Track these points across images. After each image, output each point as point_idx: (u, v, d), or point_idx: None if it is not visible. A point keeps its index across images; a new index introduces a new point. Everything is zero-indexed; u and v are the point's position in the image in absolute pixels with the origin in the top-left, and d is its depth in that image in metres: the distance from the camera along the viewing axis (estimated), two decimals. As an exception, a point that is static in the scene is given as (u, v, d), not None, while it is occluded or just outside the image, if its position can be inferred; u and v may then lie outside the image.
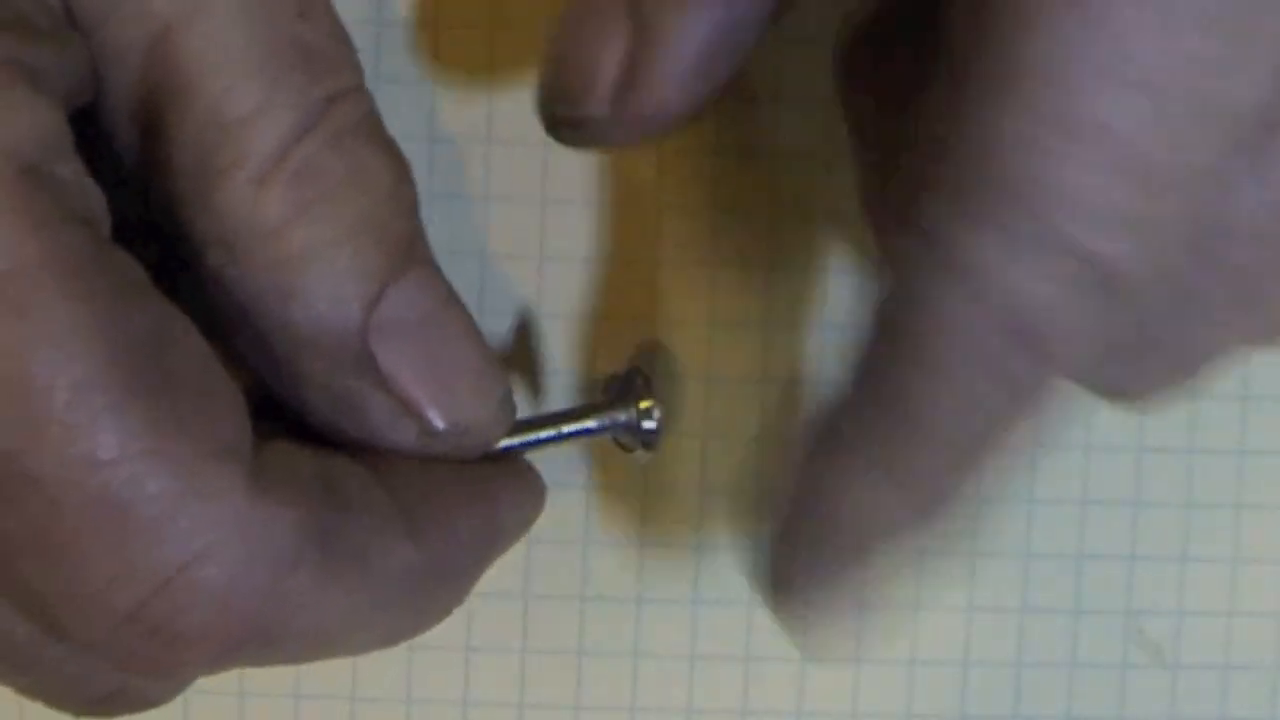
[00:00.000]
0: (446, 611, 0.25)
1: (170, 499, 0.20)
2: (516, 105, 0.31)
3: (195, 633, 0.21)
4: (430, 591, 0.24)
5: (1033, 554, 0.33)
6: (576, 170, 0.31)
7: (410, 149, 0.31)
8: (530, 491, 0.27)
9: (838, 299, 0.32)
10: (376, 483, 0.24)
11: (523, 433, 0.27)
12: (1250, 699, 0.33)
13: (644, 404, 0.28)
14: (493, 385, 0.25)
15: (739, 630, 0.32)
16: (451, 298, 0.25)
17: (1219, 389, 0.33)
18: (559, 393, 0.32)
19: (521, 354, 0.32)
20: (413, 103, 0.31)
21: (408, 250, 0.24)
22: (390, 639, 0.25)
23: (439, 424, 0.24)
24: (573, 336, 0.32)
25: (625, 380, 0.29)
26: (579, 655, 0.32)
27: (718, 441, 0.32)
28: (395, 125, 0.31)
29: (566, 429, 0.28)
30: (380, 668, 0.32)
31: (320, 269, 0.23)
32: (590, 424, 0.28)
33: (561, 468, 0.31)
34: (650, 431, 0.28)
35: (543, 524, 0.31)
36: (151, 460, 0.20)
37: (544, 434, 0.28)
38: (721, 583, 0.32)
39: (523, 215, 0.31)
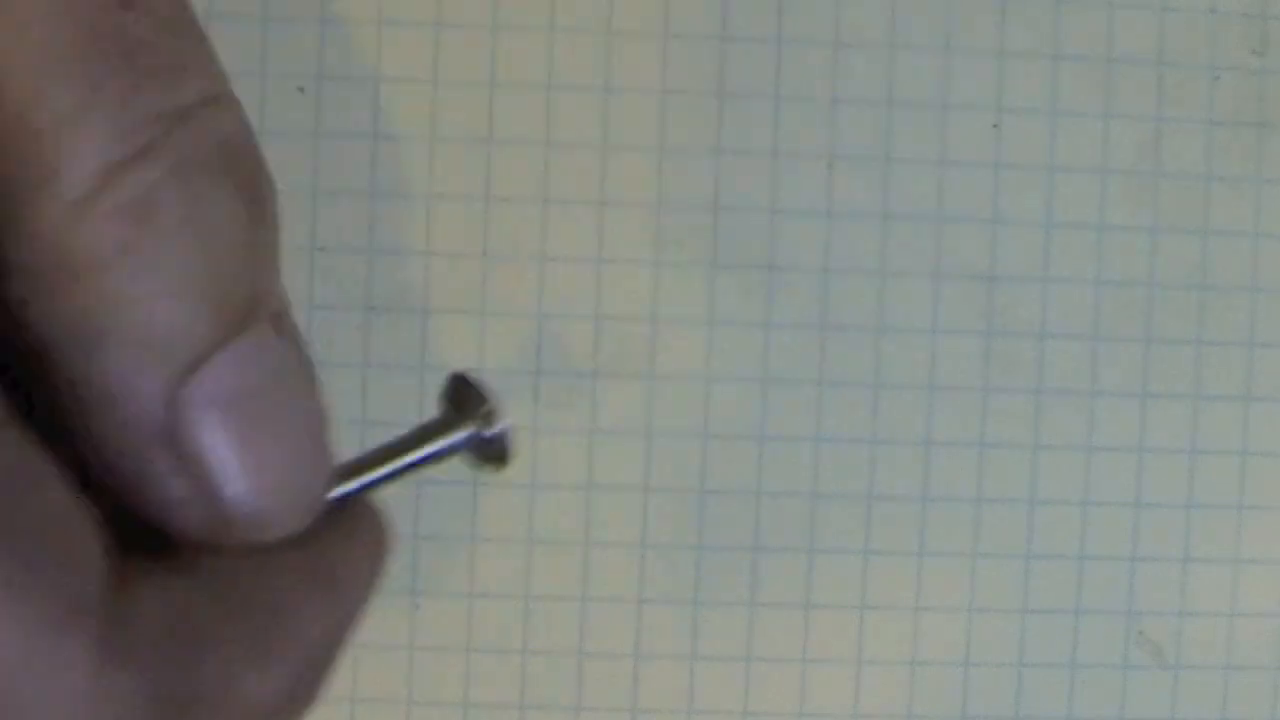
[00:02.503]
0: (310, 701, 0.23)
1: (10, 675, 0.19)
2: (516, 105, 0.31)
3: None
4: (288, 710, 0.22)
5: (1034, 555, 0.33)
6: (576, 170, 0.31)
7: (411, 149, 0.31)
8: (373, 551, 0.23)
9: (839, 299, 0.32)
10: (232, 609, 0.21)
11: (355, 476, 0.24)
12: (1250, 700, 0.33)
13: (483, 410, 0.25)
14: (312, 479, 0.22)
15: (739, 630, 0.32)
16: (285, 365, 0.21)
17: (1221, 390, 0.33)
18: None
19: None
20: (412, 103, 0.31)
21: (247, 310, 0.21)
22: None
23: (240, 517, 0.21)
24: (573, 336, 0.32)
25: (454, 391, 0.25)
26: (579, 655, 0.32)
27: (717, 441, 0.32)
28: (396, 126, 0.31)
29: (403, 461, 0.24)
30: (380, 668, 0.32)
31: (133, 324, 0.20)
32: (428, 449, 0.25)
33: (562, 468, 0.31)
34: (495, 439, 0.25)
35: (543, 525, 0.32)
36: None
37: (378, 473, 0.24)
38: (721, 583, 0.32)
39: (523, 215, 0.31)
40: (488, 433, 0.25)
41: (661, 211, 0.32)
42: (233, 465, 0.21)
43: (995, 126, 0.32)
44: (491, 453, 0.25)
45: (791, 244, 0.32)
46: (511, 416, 0.24)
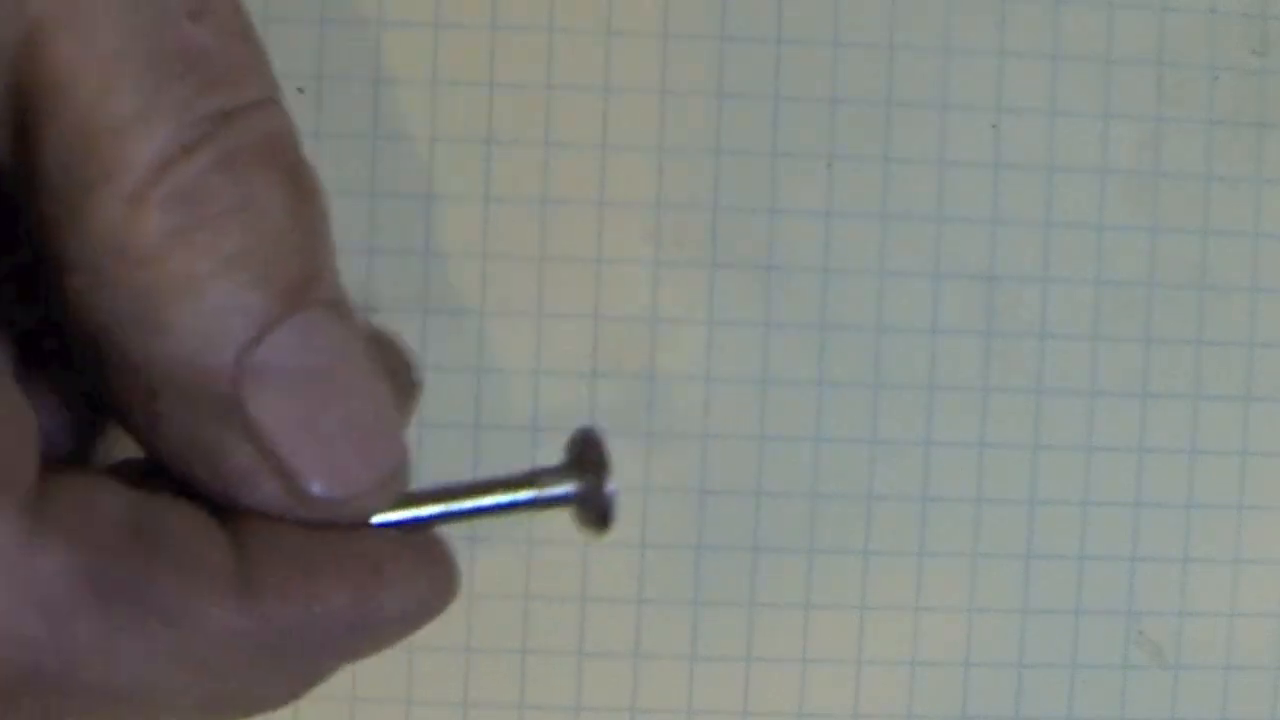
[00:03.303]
0: (303, 687, 0.23)
1: None
2: (516, 105, 0.31)
3: None
4: (270, 664, 0.22)
5: (1034, 555, 0.33)
6: (576, 170, 0.31)
7: (410, 149, 0.31)
8: (431, 577, 0.24)
9: (839, 299, 0.32)
10: (214, 535, 0.22)
11: (441, 501, 0.24)
12: (1251, 700, 0.33)
13: (598, 474, 0.24)
14: (384, 451, 0.23)
15: (739, 630, 0.32)
16: (346, 344, 0.22)
17: (1221, 390, 0.33)
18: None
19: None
20: (412, 103, 0.31)
21: (300, 290, 0.21)
22: (230, 708, 0.23)
23: (313, 488, 0.22)
24: (573, 337, 0.32)
25: (580, 445, 0.25)
26: (579, 655, 0.32)
27: (718, 441, 0.32)
28: (395, 126, 0.31)
29: (492, 500, 0.24)
30: (380, 668, 0.32)
31: (192, 303, 0.21)
32: (520, 496, 0.24)
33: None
34: (605, 502, 0.24)
35: (543, 525, 0.32)
36: None
37: (466, 505, 0.24)
38: (721, 583, 0.32)
39: (523, 215, 0.31)
40: (600, 492, 0.24)
41: (661, 211, 0.32)
42: (296, 437, 0.22)
43: (994, 127, 0.32)
44: (596, 512, 0.24)
45: (791, 244, 0.32)
46: (619, 482, 0.24)
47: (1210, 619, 0.33)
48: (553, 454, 0.30)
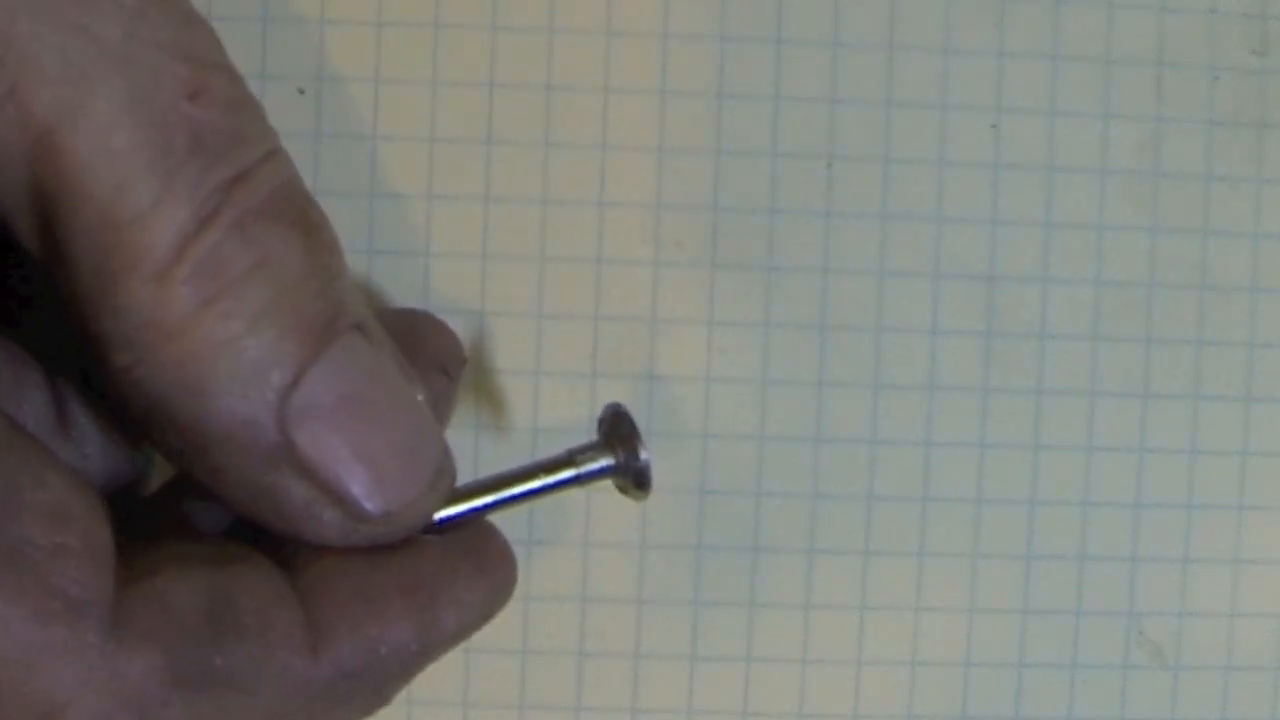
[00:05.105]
0: (370, 712, 0.24)
1: (21, 663, 0.20)
2: (516, 105, 0.31)
3: None
4: (342, 699, 0.23)
5: (1034, 555, 0.33)
6: (576, 170, 0.31)
7: (409, 150, 0.31)
8: (488, 583, 0.25)
9: (839, 299, 0.32)
10: (281, 594, 0.23)
11: (490, 492, 0.26)
12: (1251, 700, 0.33)
13: (629, 446, 0.26)
14: (425, 452, 0.24)
15: (739, 630, 0.32)
16: (376, 365, 0.23)
17: (1221, 390, 0.33)
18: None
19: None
20: (412, 103, 0.31)
21: (326, 327, 0.23)
22: None
23: (366, 507, 0.23)
24: (573, 337, 0.32)
25: (611, 421, 0.27)
26: (579, 656, 0.32)
27: (718, 441, 0.32)
28: (394, 126, 0.31)
29: (539, 483, 0.26)
30: (380, 668, 0.32)
31: (228, 363, 0.22)
32: (564, 475, 0.26)
33: (561, 468, 0.31)
34: (642, 470, 0.26)
35: (543, 525, 0.32)
36: None
37: (516, 490, 0.26)
38: (721, 583, 0.32)
39: (523, 215, 0.31)
40: (635, 462, 0.26)
41: (661, 211, 0.32)
42: (350, 462, 0.23)
43: (994, 127, 0.32)
44: (634, 479, 0.26)
45: (791, 244, 0.32)
46: (649, 452, 0.26)
47: (1210, 619, 0.33)
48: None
